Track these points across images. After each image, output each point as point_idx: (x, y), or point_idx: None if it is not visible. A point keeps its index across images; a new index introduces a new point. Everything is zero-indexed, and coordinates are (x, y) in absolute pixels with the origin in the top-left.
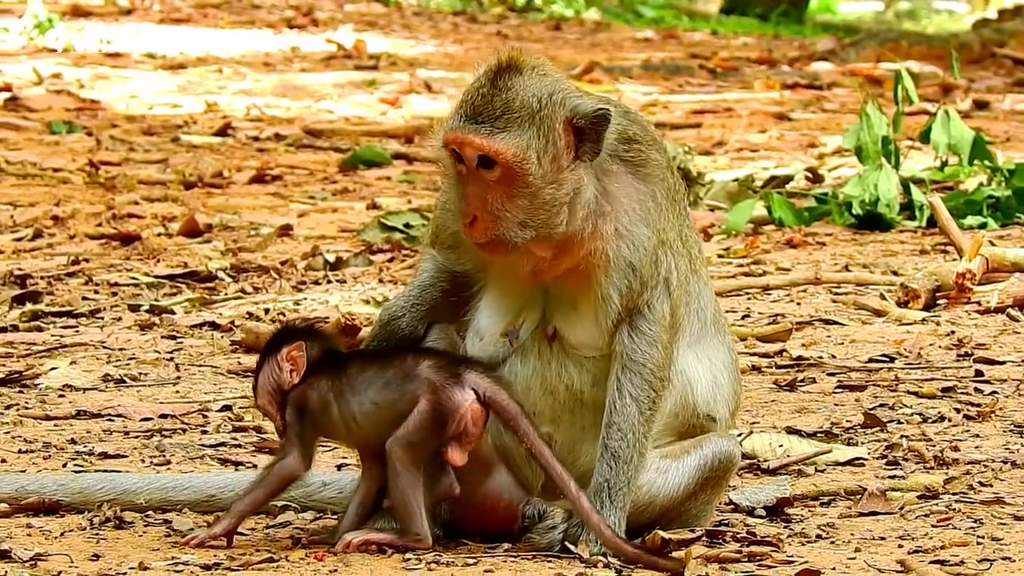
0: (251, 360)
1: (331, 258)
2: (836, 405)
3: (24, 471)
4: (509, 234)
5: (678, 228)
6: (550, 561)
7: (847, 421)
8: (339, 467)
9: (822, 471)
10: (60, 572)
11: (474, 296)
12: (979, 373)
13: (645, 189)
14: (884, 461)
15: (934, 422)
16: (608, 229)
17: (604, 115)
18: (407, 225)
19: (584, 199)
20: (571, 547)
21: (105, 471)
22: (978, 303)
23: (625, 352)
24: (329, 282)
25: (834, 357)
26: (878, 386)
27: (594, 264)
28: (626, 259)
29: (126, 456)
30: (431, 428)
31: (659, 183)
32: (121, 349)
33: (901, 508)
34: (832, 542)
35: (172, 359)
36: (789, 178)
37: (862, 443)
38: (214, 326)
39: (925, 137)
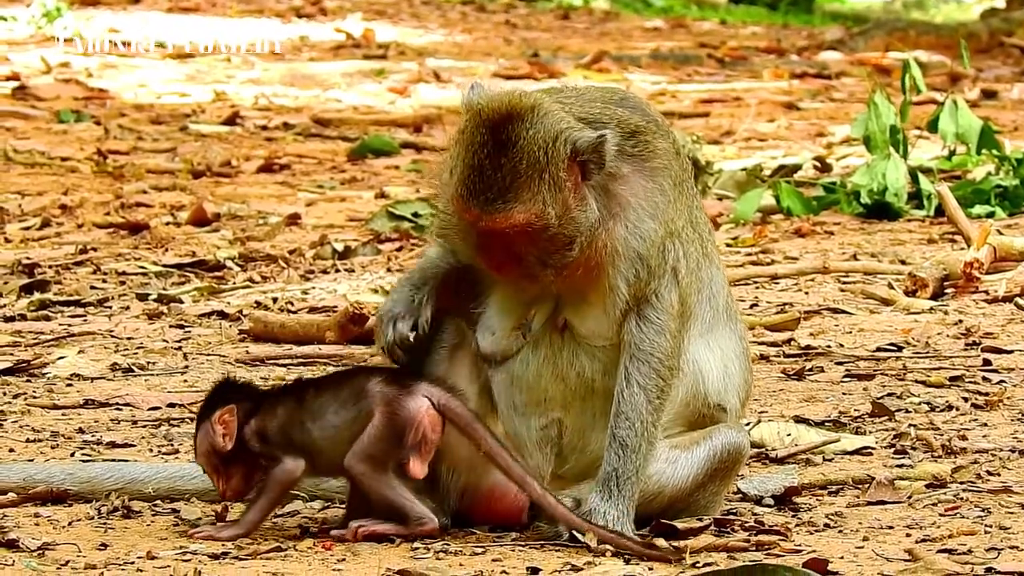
0: (259, 349)
1: (339, 247)
2: (844, 394)
3: (32, 460)
4: (535, 272)
5: (687, 214)
6: (558, 550)
7: (855, 410)
8: None
9: (830, 460)
10: (68, 562)
11: (483, 290)
12: (987, 362)
13: (653, 185)
14: (892, 450)
15: (942, 411)
16: (618, 229)
17: (601, 141)
18: (415, 214)
19: (592, 220)
20: (579, 536)
21: (113, 460)
22: (986, 292)
23: (633, 341)
24: (337, 271)
25: (842, 346)
26: (886, 375)
27: (603, 258)
28: (635, 250)
29: (134, 445)
30: (388, 439)
31: (666, 175)
32: (129, 338)
33: (909, 497)
34: (840, 531)
35: (180, 348)
36: (797, 167)
37: (870, 432)
38: (222, 315)
39: (933, 126)
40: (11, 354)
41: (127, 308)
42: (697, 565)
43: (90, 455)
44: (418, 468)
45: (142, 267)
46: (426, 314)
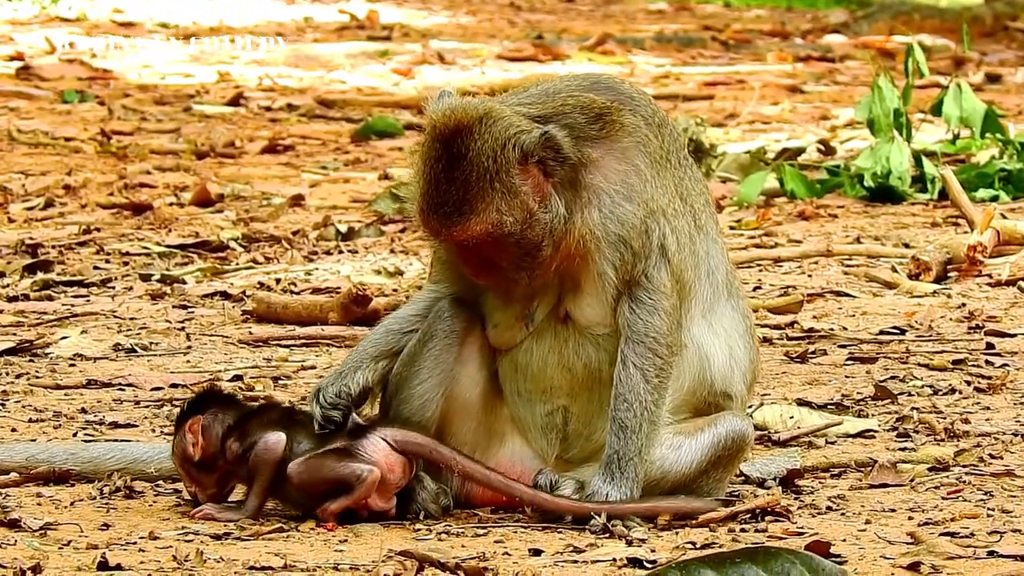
0: (262, 330)
1: (343, 228)
2: (847, 377)
3: (34, 440)
4: (513, 276)
5: (673, 188)
6: (561, 531)
7: (858, 393)
8: None
9: (833, 443)
10: (70, 541)
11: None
12: (990, 346)
13: (627, 166)
14: (895, 433)
15: (945, 394)
16: (593, 216)
17: (547, 137)
18: None
19: (559, 218)
20: (588, 521)
21: (115, 440)
22: (989, 276)
23: (627, 324)
24: (340, 252)
25: (845, 329)
26: (889, 358)
27: (587, 246)
28: (614, 234)
29: (137, 425)
30: (337, 479)
31: (641, 152)
32: (132, 318)
33: (911, 480)
34: (842, 514)
35: (183, 329)
36: (801, 150)
37: (873, 415)
38: (225, 296)
39: (937, 110)
40: (14, 334)
41: (130, 288)
42: (699, 547)
43: (92, 435)
44: (381, 504)
45: (145, 247)
46: (365, 375)
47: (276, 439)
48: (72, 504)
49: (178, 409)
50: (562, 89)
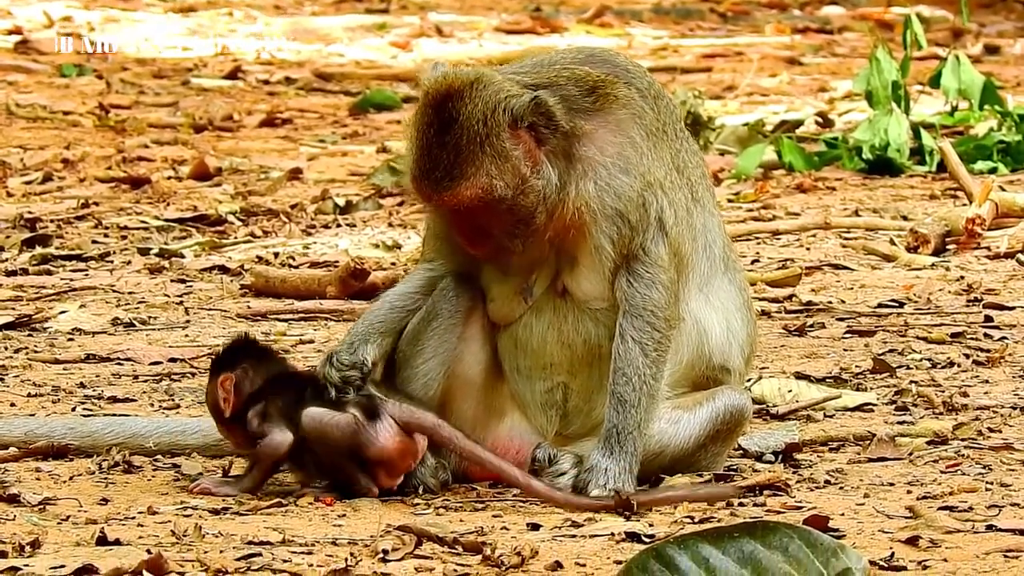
0: (260, 304)
1: (341, 202)
2: (845, 350)
3: (33, 415)
4: (505, 243)
5: (670, 160)
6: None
7: (856, 366)
8: None
9: (831, 417)
10: (68, 516)
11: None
12: (988, 319)
13: (622, 138)
14: (893, 407)
15: (943, 368)
16: (588, 188)
17: (536, 102)
18: None
19: (552, 185)
20: (580, 492)
21: (114, 415)
22: (988, 248)
23: (626, 297)
24: (339, 226)
25: (843, 302)
26: (887, 331)
27: (583, 218)
28: (611, 207)
29: (135, 400)
30: (348, 450)
31: (636, 124)
32: (131, 293)
33: (910, 454)
34: (841, 488)
35: (181, 303)
36: (799, 123)
37: (871, 389)
38: (224, 270)
39: (935, 82)
40: (13, 308)
41: (128, 263)
42: (697, 521)
43: (91, 410)
44: (386, 481)
45: (143, 221)
46: (374, 344)
47: (281, 439)
48: (71, 479)
49: (213, 356)
50: (557, 61)
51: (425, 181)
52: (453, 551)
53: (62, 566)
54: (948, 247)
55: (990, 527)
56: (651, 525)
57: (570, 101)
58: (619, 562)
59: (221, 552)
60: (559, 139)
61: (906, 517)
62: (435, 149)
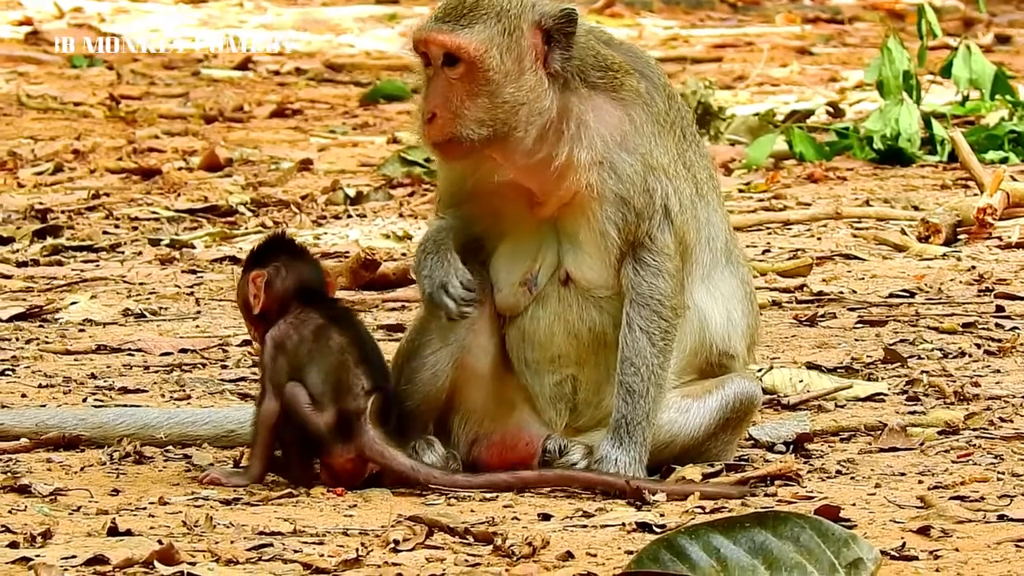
0: None
1: (351, 192)
2: (856, 340)
3: (44, 406)
4: (466, 131)
5: (674, 153)
6: (570, 497)
7: (867, 356)
8: None
9: (842, 407)
10: (80, 507)
11: (490, 247)
12: (1000, 308)
13: (620, 113)
14: (904, 397)
15: (954, 357)
16: (583, 157)
17: (569, 14)
18: (428, 160)
19: (544, 107)
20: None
21: (125, 406)
22: (999, 238)
23: (632, 286)
24: (349, 216)
25: (854, 292)
26: (899, 321)
27: (586, 199)
28: (613, 191)
29: (146, 391)
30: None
31: (637, 106)
32: (141, 283)
33: (921, 444)
34: (852, 478)
35: (192, 293)
36: (810, 112)
37: (882, 378)
38: (234, 260)
39: (947, 72)
40: (24, 299)
41: (139, 253)
42: (708, 511)
43: (102, 400)
44: (330, 483)
45: (154, 212)
46: (453, 262)
47: (271, 407)
48: (82, 470)
49: (250, 250)
50: (582, 33)
51: (430, 23)
52: (464, 541)
53: (73, 556)
54: (959, 237)
55: (1001, 517)
56: (662, 515)
57: (582, 72)
58: (630, 552)
59: (232, 543)
60: (563, 76)
61: (917, 507)
62: (455, 3)
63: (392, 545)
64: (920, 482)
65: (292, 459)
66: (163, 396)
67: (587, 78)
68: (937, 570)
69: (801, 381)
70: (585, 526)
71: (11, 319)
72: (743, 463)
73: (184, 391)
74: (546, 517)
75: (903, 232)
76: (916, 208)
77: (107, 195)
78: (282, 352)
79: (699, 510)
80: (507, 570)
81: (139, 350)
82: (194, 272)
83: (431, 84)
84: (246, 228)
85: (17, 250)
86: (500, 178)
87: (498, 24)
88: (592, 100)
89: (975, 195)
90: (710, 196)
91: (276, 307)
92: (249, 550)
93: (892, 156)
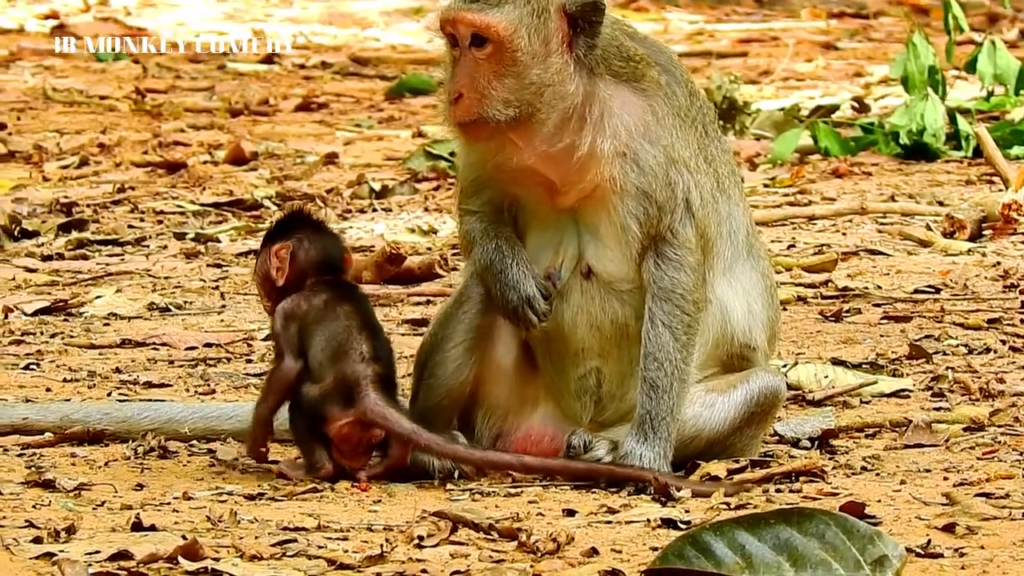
0: None
1: (376, 186)
2: (881, 336)
3: (69, 400)
4: (492, 112)
5: (695, 147)
6: (594, 492)
7: (892, 352)
8: None
9: (867, 403)
10: (104, 502)
11: None
12: None
13: (643, 103)
14: (929, 393)
15: (980, 353)
16: (607, 147)
17: (596, 3)
18: (452, 154)
19: (569, 91)
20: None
21: (150, 400)
22: None
23: (654, 280)
24: (375, 210)
25: (880, 288)
26: (924, 317)
27: (607, 192)
28: (635, 185)
29: (171, 385)
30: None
31: (659, 98)
32: (166, 277)
33: (946, 440)
34: (877, 474)
35: (217, 288)
36: (835, 107)
37: (907, 374)
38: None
39: (971, 67)
40: (49, 293)
41: (164, 247)
42: (733, 508)
43: (127, 395)
44: (344, 461)
45: (179, 206)
46: (533, 271)
47: (291, 368)
48: (106, 464)
49: (269, 224)
50: (608, 23)
51: (458, 2)
52: (489, 537)
53: (97, 552)
54: (984, 233)
55: None
56: (687, 511)
57: (606, 61)
58: (655, 548)
59: (256, 538)
60: (588, 63)
61: (943, 504)
62: None
63: (416, 541)
64: (945, 479)
65: (304, 444)
66: (188, 390)
67: (610, 67)
68: (963, 567)
69: (826, 377)
70: (610, 522)
71: (36, 313)
72: (768, 459)
73: (209, 385)
74: (571, 513)
75: (928, 228)
76: (941, 204)
77: (132, 189)
78: (292, 321)
79: (724, 506)
80: (532, 566)
81: (164, 344)
82: (219, 266)
83: (457, 65)
84: (271, 222)
85: (42, 244)
86: (518, 163)
87: (527, 5)
88: (615, 89)
89: (1000, 191)
90: (732, 191)
91: (295, 280)
92: (273, 545)
93: (917, 151)
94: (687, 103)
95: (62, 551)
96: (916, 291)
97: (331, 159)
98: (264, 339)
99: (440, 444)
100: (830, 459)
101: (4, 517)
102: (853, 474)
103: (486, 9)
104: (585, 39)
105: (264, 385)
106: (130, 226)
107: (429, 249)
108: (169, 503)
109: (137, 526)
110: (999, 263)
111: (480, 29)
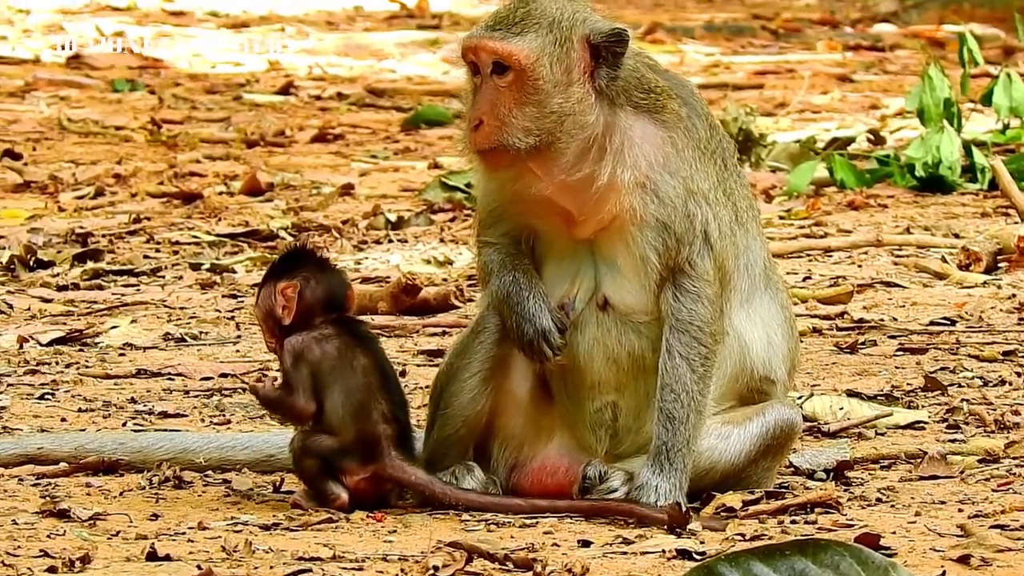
0: None
1: (392, 217)
2: (897, 368)
3: (84, 430)
4: (512, 140)
5: (714, 179)
6: (609, 524)
7: (908, 384)
8: None
9: (882, 434)
10: (119, 532)
11: None
12: None
13: (663, 134)
14: (945, 425)
15: (995, 386)
16: (627, 178)
17: (620, 34)
18: (468, 185)
19: (589, 121)
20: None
21: (165, 430)
22: None
23: (671, 312)
24: (390, 241)
25: (895, 320)
26: (939, 349)
27: (626, 222)
28: (655, 216)
29: (186, 415)
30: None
31: (679, 130)
32: (182, 308)
33: (961, 472)
34: (892, 506)
35: (232, 318)
36: (851, 140)
37: (923, 406)
38: None
39: (987, 100)
40: (64, 323)
41: (180, 278)
42: (748, 538)
43: (142, 425)
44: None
45: (195, 236)
46: (548, 304)
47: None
48: (121, 494)
49: (272, 261)
50: (631, 55)
51: (480, 30)
52: (504, 568)
53: None
54: (1000, 265)
55: None
56: (702, 542)
57: (627, 92)
58: None
59: (271, 568)
60: (609, 94)
61: (958, 536)
62: (504, 13)
63: (431, 571)
64: (960, 510)
65: (316, 482)
66: (203, 420)
67: (631, 98)
68: None
69: (841, 408)
70: (625, 553)
71: (51, 343)
72: (783, 490)
73: (224, 416)
74: (586, 544)
75: (944, 260)
76: (957, 236)
77: (148, 219)
78: (303, 362)
79: (739, 537)
80: None
81: (179, 374)
82: (235, 297)
83: (479, 92)
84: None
85: (58, 274)
86: (537, 192)
87: (549, 34)
88: (636, 120)
89: (1016, 223)
90: (749, 224)
91: (301, 319)
92: (288, 575)
93: (933, 184)
94: (707, 136)
95: None
96: (931, 323)
97: (347, 190)
98: (279, 369)
99: (454, 493)
100: (845, 491)
101: (19, 547)
102: (868, 505)
103: (508, 37)
104: (607, 69)
105: (270, 407)
106: (146, 256)
107: (445, 280)
108: (184, 533)
109: (152, 556)
110: (1014, 295)
111: (502, 57)
